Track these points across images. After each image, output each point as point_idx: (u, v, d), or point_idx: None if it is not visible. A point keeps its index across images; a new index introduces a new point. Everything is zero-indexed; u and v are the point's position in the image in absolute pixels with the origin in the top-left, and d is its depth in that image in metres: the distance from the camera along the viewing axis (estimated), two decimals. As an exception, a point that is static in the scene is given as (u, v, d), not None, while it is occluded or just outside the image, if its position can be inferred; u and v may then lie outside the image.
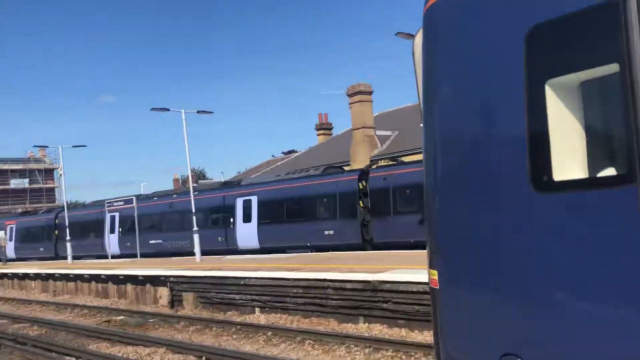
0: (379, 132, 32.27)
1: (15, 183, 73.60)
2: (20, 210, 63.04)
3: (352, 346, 11.08)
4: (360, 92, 31.85)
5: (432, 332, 3.34)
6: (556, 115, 2.52)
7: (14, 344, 14.26)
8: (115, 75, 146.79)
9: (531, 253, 2.57)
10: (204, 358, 11.24)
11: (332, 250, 21.56)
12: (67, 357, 12.21)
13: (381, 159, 28.58)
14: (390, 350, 10.38)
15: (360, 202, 21.62)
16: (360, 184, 21.79)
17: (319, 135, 46.83)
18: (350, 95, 32.36)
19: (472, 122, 2.93)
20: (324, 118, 47.05)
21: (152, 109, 24.39)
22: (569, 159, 2.51)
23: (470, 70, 2.93)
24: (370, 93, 32.49)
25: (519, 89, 2.61)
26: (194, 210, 23.91)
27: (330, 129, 47.02)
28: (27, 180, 74.61)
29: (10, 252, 39.65)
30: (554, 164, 2.49)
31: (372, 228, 21.34)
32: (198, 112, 25.60)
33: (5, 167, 73.58)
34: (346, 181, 22.31)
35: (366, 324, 12.87)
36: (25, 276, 28.87)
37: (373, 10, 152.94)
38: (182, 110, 24.53)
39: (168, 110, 24.50)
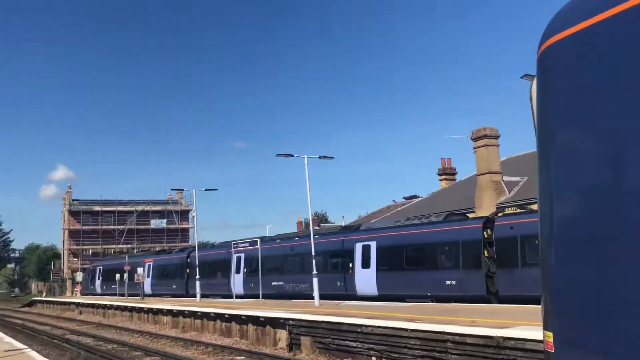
0: (506, 178, 30.88)
1: (154, 223, 79.97)
2: (157, 248, 68.11)
3: (474, 407, 10.34)
4: (485, 136, 30.83)
5: None
6: None
7: (144, 377, 15.10)
8: (248, 123, 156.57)
9: None
10: (317, 406, 11.07)
11: (454, 302, 20.60)
12: (190, 394, 12.65)
13: (508, 206, 27.18)
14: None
15: (485, 251, 20.56)
16: (485, 232, 20.77)
17: (441, 180, 45.83)
18: (474, 140, 31.43)
19: (598, 173, 2.61)
20: (447, 163, 46.07)
21: (278, 155, 25.34)
22: None
23: (591, 116, 2.65)
24: (496, 137, 31.33)
25: None
26: (313, 254, 24.15)
27: (454, 174, 45.88)
28: (165, 220, 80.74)
29: (147, 288, 42.56)
30: None
31: (498, 280, 20.13)
32: (320, 157, 26.18)
33: (147, 208, 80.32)
34: (470, 229, 21.38)
35: (489, 383, 11.99)
36: (158, 311, 30.77)
37: (500, 52, 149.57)
38: (305, 156, 25.23)
39: (292, 155, 25.31)
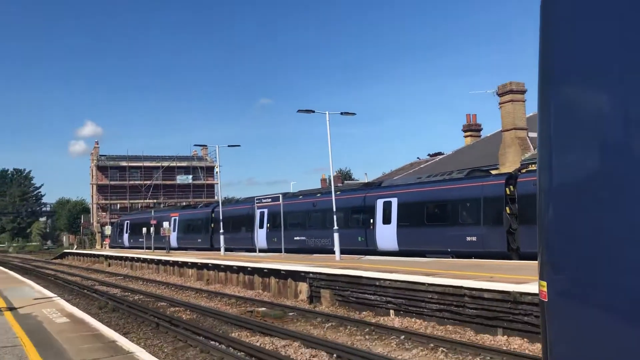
0: (532, 134, 30.27)
1: (180, 179, 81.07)
2: (183, 203, 69.18)
3: (488, 358, 10.48)
4: (511, 91, 30.10)
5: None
6: None
7: (169, 325, 15.59)
8: (273, 80, 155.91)
9: None
10: (335, 355, 11.32)
11: (475, 258, 20.63)
12: (212, 342, 13.04)
13: (533, 163, 26.78)
14: (530, 368, 9.65)
15: (507, 208, 20.40)
16: (507, 189, 20.56)
17: (466, 137, 45.23)
18: (500, 95, 30.73)
19: (598, 124, 2.53)
20: (472, 119, 45.34)
21: (298, 111, 25.10)
22: None
23: (594, 62, 2.54)
24: (523, 92, 30.56)
25: None
26: (335, 210, 24.31)
27: (479, 130, 45.19)
28: (190, 176, 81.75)
29: (173, 241, 43.53)
30: None
31: (519, 236, 20.01)
32: (342, 113, 25.95)
33: (173, 164, 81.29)
34: (492, 185, 21.17)
35: (505, 336, 12.10)
36: (183, 264, 31.54)
37: (527, 8, 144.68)
38: (326, 112, 25.02)
39: (313, 111, 25.10)
